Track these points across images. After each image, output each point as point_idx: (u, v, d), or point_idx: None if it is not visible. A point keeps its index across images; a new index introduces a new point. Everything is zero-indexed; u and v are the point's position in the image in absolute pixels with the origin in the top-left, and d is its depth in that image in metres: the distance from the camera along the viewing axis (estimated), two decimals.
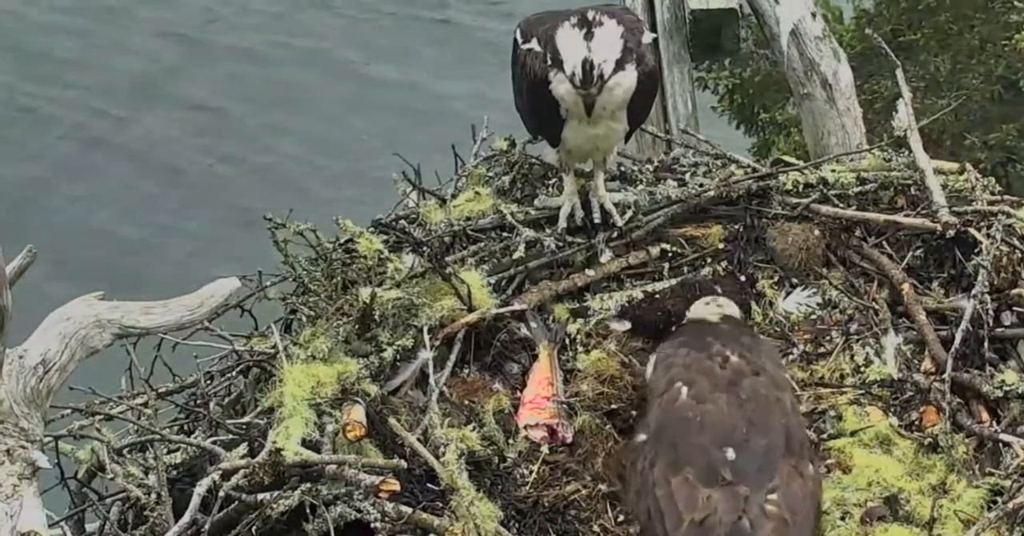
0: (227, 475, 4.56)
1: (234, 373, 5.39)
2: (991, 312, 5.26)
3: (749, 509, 4.32)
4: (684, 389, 4.70)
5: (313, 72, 15.82)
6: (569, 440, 5.05)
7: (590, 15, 5.25)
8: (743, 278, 5.65)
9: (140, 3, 16.63)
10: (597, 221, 5.73)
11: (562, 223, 5.72)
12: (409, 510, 4.50)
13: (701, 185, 5.88)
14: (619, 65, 5.23)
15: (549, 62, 5.30)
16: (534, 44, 5.39)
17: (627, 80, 5.32)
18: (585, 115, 5.33)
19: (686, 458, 4.47)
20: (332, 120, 15.18)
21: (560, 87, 5.32)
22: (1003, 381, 5.06)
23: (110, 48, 16.14)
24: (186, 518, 4.41)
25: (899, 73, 6.40)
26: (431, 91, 15.40)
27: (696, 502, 4.35)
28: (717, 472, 4.41)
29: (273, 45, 16.19)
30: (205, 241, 13.81)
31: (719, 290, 5.50)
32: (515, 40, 5.54)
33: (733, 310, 5.34)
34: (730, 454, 4.46)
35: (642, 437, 4.76)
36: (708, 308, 5.31)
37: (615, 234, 5.72)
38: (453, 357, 5.27)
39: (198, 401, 5.33)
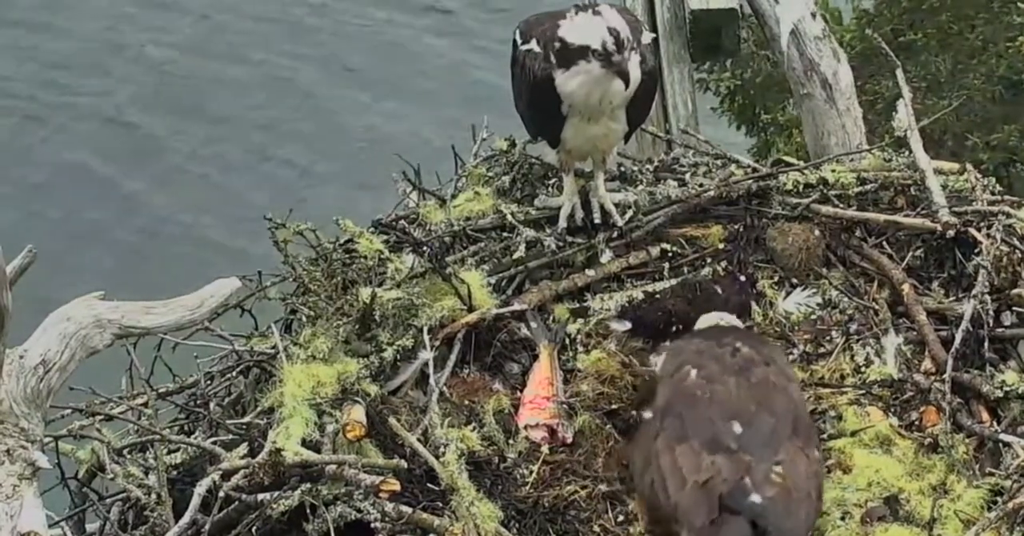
0: (227, 475, 4.56)
1: (234, 373, 5.39)
2: (991, 312, 5.27)
3: (753, 474, 4.32)
4: (694, 371, 4.72)
5: (245, 84, 15.74)
6: (569, 440, 5.05)
7: (587, 2, 5.26)
8: (743, 278, 5.65)
9: (82, 20, 16.54)
10: (597, 221, 5.73)
11: (562, 223, 5.72)
12: (409, 510, 4.50)
13: (701, 185, 5.87)
14: (632, 41, 5.22)
15: (555, 61, 5.28)
16: (533, 45, 5.39)
17: (635, 69, 5.30)
18: (622, 91, 5.26)
19: (692, 430, 4.48)
20: (269, 131, 15.12)
21: (573, 81, 5.28)
22: (1003, 381, 5.05)
23: (33, 57, 16.07)
24: (186, 518, 4.41)
25: (899, 73, 6.39)
26: (372, 107, 15.37)
27: (700, 466, 4.36)
28: (722, 442, 4.42)
29: (205, 56, 16.09)
30: (132, 253, 13.75)
31: (719, 290, 5.51)
32: (514, 41, 5.53)
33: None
34: (736, 427, 4.47)
35: (648, 414, 4.75)
36: (717, 318, 5.33)
37: (615, 234, 5.72)
38: (453, 357, 5.27)
39: (198, 401, 5.33)
